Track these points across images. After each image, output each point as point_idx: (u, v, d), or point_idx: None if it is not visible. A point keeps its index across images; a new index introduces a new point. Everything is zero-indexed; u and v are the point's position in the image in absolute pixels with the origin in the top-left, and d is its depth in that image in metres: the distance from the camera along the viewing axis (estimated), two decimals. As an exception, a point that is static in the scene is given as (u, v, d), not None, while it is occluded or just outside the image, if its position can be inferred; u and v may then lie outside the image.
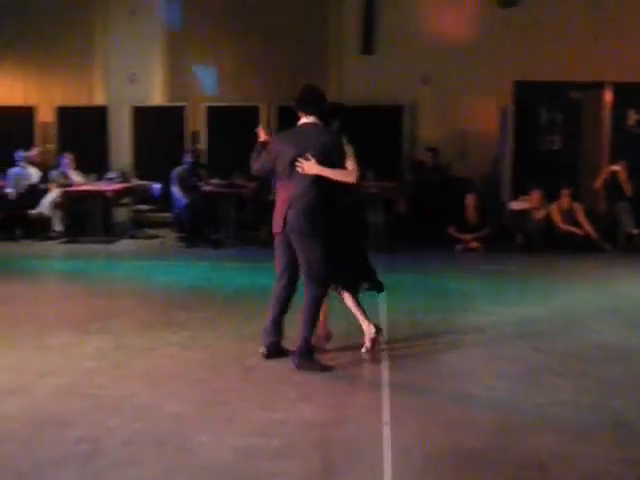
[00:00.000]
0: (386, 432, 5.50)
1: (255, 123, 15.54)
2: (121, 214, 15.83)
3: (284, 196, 7.09)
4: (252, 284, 10.82)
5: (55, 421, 5.68)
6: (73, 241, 14.21)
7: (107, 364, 7.10)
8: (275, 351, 7.27)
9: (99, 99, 16.80)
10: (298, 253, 7.09)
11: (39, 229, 14.59)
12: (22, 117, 16.62)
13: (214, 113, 16.04)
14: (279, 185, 7.25)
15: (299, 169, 6.98)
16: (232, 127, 15.78)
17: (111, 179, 15.36)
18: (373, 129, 15.37)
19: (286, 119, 15.60)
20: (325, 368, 6.99)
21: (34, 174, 15.03)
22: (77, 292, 10.31)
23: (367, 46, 15.83)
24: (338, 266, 7.31)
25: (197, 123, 16.25)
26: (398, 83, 15.75)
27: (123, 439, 5.38)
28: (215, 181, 14.61)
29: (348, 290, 7.62)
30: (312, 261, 7.06)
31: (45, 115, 16.73)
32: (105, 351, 7.51)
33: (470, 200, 13.88)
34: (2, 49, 17.05)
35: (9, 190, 14.68)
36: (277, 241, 7.23)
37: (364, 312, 7.62)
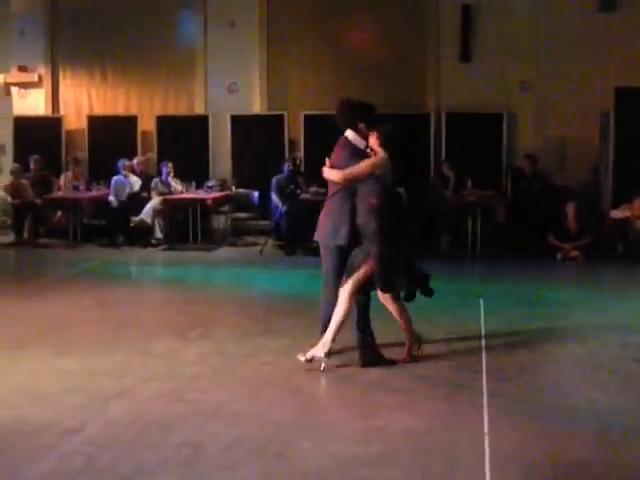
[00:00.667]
0: (486, 442, 5.47)
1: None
2: (220, 222, 16.02)
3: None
4: (350, 292, 10.83)
5: (158, 425, 5.79)
6: (173, 248, 14.42)
7: (208, 370, 7.21)
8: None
9: (199, 108, 17.02)
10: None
11: (140, 236, 14.84)
12: (124, 127, 16.93)
13: (312, 121, 16.11)
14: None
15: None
16: (330, 135, 15.79)
17: (210, 187, 15.53)
18: (471, 137, 15.32)
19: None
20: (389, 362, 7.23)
21: (135, 182, 15.29)
22: (177, 298, 10.48)
23: (465, 54, 15.74)
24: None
25: (296, 131, 16.34)
26: (496, 90, 15.61)
27: (224, 444, 5.45)
28: (313, 189, 14.66)
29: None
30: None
31: (146, 124, 17.02)
32: (206, 357, 7.63)
33: (570, 209, 13.68)
34: (105, 61, 17.41)
35: (111, 198, 14.96)
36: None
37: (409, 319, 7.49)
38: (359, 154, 7.43)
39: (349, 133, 7.60)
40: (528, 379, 7.09)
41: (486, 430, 5.67)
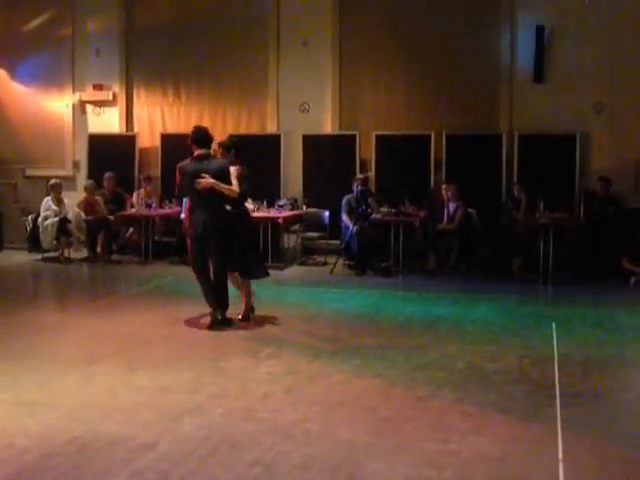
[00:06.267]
0: (561, 469, 5.39)
1: (425, 152, 15.77)
2: (291, 241, 16.07)
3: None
4: (421, 313, 10.80)
5: (230, 443, 5.79)
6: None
7: (279, 389, 7.22)
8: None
9: (271, 127, 17.10)
10: None
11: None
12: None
13: (384, 142, 16.11)
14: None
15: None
16: (402, 156, 15.82)
17: (281, 206, 15.59)
18: (544, 159, 15.18)
19: (455, 147, 15.69)
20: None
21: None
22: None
23: (538, 74, 15.61)
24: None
25: (367, 151, 16.35)
26: (570, 111, 15.46)
27: (295, 464, 5.44)
28: (384, 209, 14.66)
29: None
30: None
31: (218, 143, 17.12)
32: (276, 376, 7.64)
33: (645, 232, 13.51)
34: (178, 80, 17.61)
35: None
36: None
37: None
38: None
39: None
40: (603, 405, 6.97)
41: (561, 457, 5.58)
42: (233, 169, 9.88)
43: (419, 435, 6.00)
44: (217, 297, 9.86)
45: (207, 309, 9.89)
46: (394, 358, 8.31)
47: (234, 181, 9.74)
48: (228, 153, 10.20)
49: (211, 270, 9.89)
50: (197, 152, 9.73)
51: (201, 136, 9.86)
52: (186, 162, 9.85)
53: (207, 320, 9.83)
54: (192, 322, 10.05)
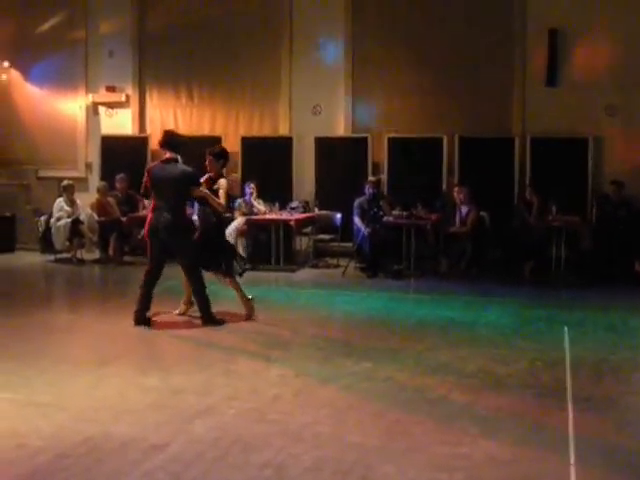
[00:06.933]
0: (572, 473, 5.37)
1: (438, 155, 15.77)
2: (303, 243, 16.09)
3: None
4: (433, 316, 10.78)
5: (241, 444, 5.79)
6: (256, 268, 14.50)
7: (289, 391, 7.21)
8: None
9: (283, 130, 17.12)
10: None
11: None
12: (209, 147, 17.02)
13: (396, 144, 16.11)
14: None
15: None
16: (415, 158, 15.82)
17: (294, 208, 15.60)
18: (557, 162, 15.16)
19: (469, 150, 15.68)
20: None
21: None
22: (259, 319, 10.49)
23: (551, 78, 15.59)
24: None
25: (379, 154, 16.34)
26: (583, 115, 15.44)
27: (306, 466, 5.43)
28: (396, 212, 14.66)
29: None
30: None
31: (231, 145, 17.11)
32: (287, 378, 7.64)
33: (658, 235, 13.48)
34: (191, 82, 17.64)
35: (195, 218, 15.06)
36: None
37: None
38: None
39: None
40: (615, 409, 6.96)
41: (572, 461, 5.56)
42: (224, 181, 10.38)
43: (430, 438, 5.98)
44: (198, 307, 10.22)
45: (216, 310, 10.00)
46: (405, 361, 8.30)
47: (221, 193, 10.22)
48: (217, 161, 10.50)
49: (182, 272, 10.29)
50: (166, 156, 10.08)
51: (170, 140, 10.18)
52: (154, 164, 10.39)
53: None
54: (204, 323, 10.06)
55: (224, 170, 10.74)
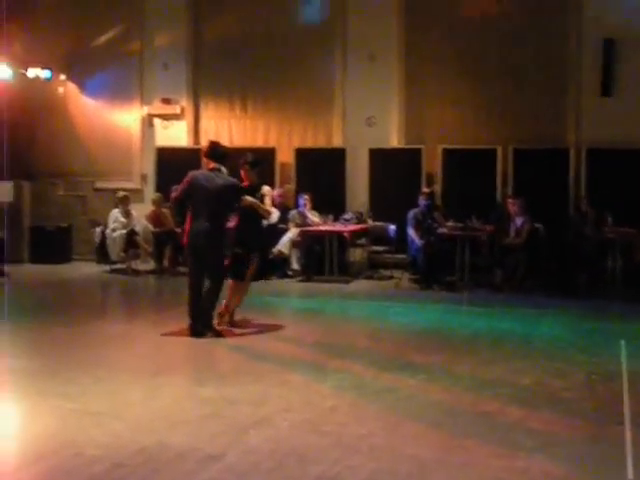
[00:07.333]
0: (630, 489, 5.31)
1: (492, 166, 15.68)
2: (357, 254, 16.09)
3: None
4: (487, 328, 10.73)
5: (296, 456, 5.79)
6: (310, 280, 14.53)
7: (345, 403, 7.21)
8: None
9: (337, 141, 17.14)
10: None
11: (277, 267, 14.98)
12: (263, 158, 17.12)
13: (451, 156, 16.06)
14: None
15: None
16: (468, 170, 15.75)
17: (347, 220, 15.61)
18: (612, 173, 15.00)
19: (523, 161, 15.57)
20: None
21: (274, 214, 15.44)
22: (314, 330, 10.53)
23: (606, 87, 15.46)
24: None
25: (433, 165, 16.30)
26: (638, 125, 15.28)
27: (362, 478, 5.41)
28: (450, 224, 14.60)
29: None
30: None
31: (284, 156, 17.22)
32: (342, 390, 7.63)
33: None
34: (245, 93, 17.72)
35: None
36: None
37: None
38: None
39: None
40: (674, 425, 6.86)
41: (631, 477, 5.48)
42: (268, 189, 10.80)
43: (485, 451, 5.94)
44: (201, 311, 10.00)
45: (271, 321, 10.00)
46: (460, 373, 8.27)
47: (267, 200, 10.60)
48: (253, 170, 10.59)
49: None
50: (210, 166, 10.20)
51: (214, 151, 10.30)
52: (197, 173, 10.38)
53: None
54: (257, 335, 10.10)
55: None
